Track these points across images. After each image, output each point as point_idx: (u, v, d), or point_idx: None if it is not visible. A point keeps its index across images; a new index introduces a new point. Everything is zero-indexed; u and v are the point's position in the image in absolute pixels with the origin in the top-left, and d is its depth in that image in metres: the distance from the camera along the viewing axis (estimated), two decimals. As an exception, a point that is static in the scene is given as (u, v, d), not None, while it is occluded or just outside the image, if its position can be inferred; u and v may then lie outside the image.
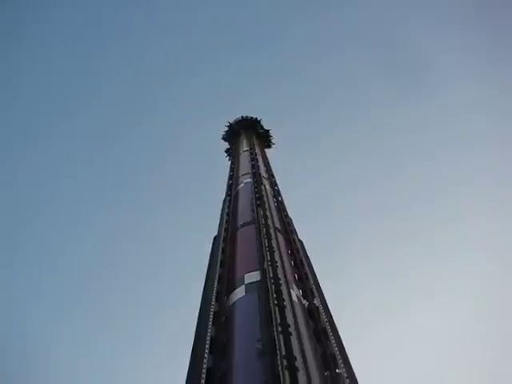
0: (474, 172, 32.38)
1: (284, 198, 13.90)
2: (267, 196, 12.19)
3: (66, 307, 31.39)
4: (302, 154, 38.16)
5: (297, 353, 5.36)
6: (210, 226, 11.63)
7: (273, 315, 6.06)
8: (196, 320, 7.17)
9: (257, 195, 11.92)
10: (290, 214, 12.55)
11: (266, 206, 11.08)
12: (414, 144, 37.19)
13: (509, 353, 23.59)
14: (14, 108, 36.92)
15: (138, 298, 33.83)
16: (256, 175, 14.12)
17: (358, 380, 5.87)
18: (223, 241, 9.98)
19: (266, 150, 21.08)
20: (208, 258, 9.62)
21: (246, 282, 7.76)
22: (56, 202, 36.87)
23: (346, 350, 6.43)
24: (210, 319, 6.88)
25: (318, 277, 8.88)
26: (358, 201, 36.15)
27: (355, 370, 6.02)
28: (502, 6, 31.53)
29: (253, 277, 7.81)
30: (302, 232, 11.42)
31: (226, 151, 21.94)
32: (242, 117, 22.75)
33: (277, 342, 5.43)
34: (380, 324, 28.47)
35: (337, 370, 6.00)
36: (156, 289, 34.20)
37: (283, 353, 5.22)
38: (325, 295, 8.11)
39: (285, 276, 7.61)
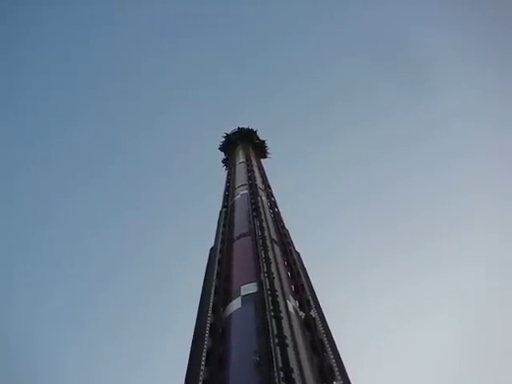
0: (477, 181, 32.35)
1: (281, 210, 13.94)
2: (263, 207, 12.21)
3: (71, 313, 31.43)
4: (301, 165, 38.36)
5: (293, 364, 5.34)
6: (207, 238, 11.63)
7: (269, 327, 6.04)
8: (192, 331, 7.14)
9: (253, 207, 11.95)
10: (287, 226, 12.56)
11: (263, 217, 11.09)
12: (415, 152, 37.25)
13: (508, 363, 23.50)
14: (17, 112, 37.11)
15: (135, 309, 33.65)
16: (252, 186, 14.17)
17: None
18: (219, 252, 9.97)
19: (263, 160, 21.29)
20: (204, 269, 9.60)
21: (242, 294, 7.74)
22: (66, 208, 36.99)
23: (344, 361, 6.41)
24: (207, 331, 6.86)
25: (314, 288, 8.87)
26: (357, 211, 36.18)
27: (352, 382, 6.00)
28: (506, 8, 31.71)
29: (249, 288, 7.79)
30: (300, 243, 11.43)
31: (222, 161, 22.32)
32: (239, 128, 23.08)
33: (273, 354, 5.40)
34: (378, 336, 28.38)
35: (334, 382, 5.97)
36: (153, 299, 34.09)
37: (280, 364, 5.20)
38: (322, 306, 8.10)
39: (281, 287, 7.60)
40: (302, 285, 8.84)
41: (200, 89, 43.38)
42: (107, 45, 41.07)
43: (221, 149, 22.91)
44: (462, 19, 33.31)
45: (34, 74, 38.78)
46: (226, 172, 19.42)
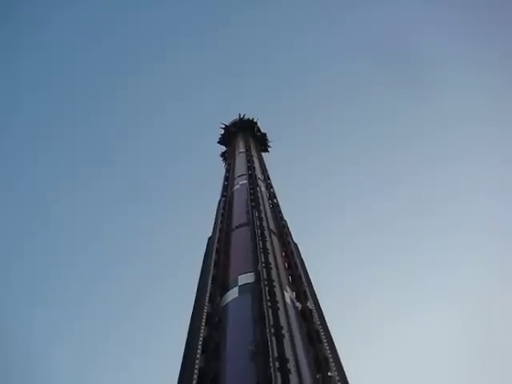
0: (477, 181, 32.36)
1: (280, 201, 13.93)
2: (262, 198, 12.19)
3: (69, 310, 31.53)
4: (301, 158, 38.37)
5: (289, 355, 5.34)
6: (205, 227, 11.62)
7: (266, 317, 6.04)
8: (189, 320, 7.15)
9: (252, 197, 11.91)
10: (286, 217, 12.55)
11: (261, 207, 11.06)
12: (414, 152, 37.32)
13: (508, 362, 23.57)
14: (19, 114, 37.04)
15: (133, 298, 33.78)
16: (252, 177, 14.13)
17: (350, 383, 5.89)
18: (217, 242, 9.95)
19: (264, 154, 21.08)
20: (202, 258, 9.59)
21: (239, 284, 7.75)
22: (62, 204, 36.99)
23: (339, 353, 6.44)
24: (203, 320, 6.87)
25: (312, 279, 8.88)
26: (357, 205, 36.23)
27: (347, 374, 6.03)
28: (506, 11, 31.61)
29: (247, 278, 7.80)
30: (298, 234, 11.42)
31: (221, 155, 21.79)
32: (239, 116, 22.61)
33: (269, 344, 5.41)
34: (374, 328, 28.49)
35: (329, 373, 5.99)
36: (150, 289, 34.15)
37: (275, 355, 5.20)
38: (318, 298, 8.11)
39: (279, 278, 7.59)
40: (299, 276, 8.85)
41: (205, 84, 43.41)
42: (112, 46, 41.16)
43: (220, 142, 22.35)
44: (462, 22, 33.27)
45: (39, 74, 38.91)
46: (225, 163, 19.32)
